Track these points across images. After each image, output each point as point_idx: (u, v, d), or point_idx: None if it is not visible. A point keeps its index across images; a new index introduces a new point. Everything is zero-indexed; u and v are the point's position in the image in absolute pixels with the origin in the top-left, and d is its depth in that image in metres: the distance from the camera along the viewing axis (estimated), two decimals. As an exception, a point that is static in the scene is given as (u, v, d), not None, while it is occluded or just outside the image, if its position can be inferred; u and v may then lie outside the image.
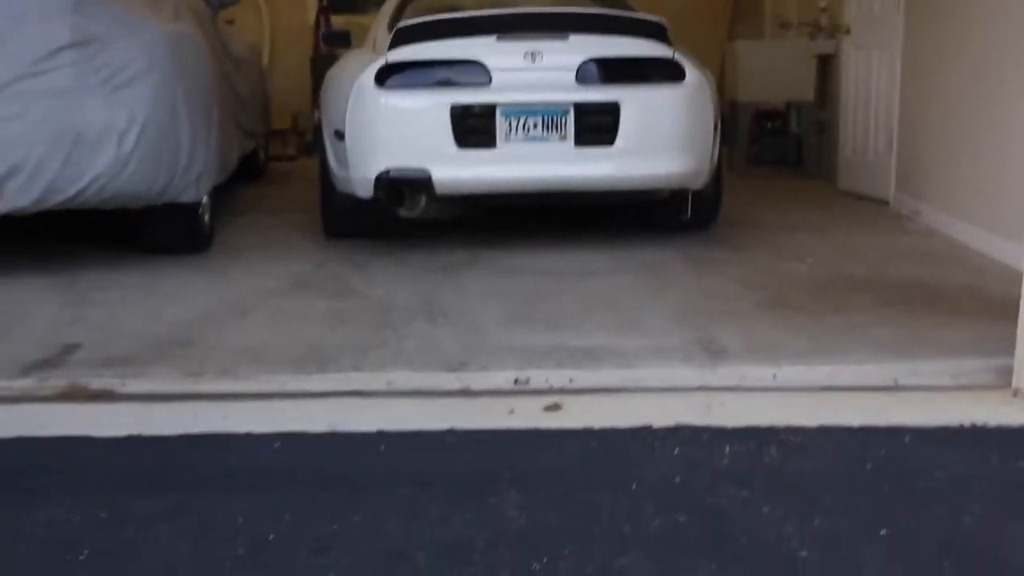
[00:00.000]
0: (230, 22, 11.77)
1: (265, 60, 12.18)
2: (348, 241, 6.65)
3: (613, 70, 6.15)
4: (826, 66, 9.23)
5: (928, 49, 7.19)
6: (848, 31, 8.35)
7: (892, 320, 4.88)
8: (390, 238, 6.65)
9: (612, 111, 6.06)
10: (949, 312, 5.04)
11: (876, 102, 7.99)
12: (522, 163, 6.08)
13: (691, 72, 6.22)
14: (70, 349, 4.57)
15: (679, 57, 6.22)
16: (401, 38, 6.14)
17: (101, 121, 5.60)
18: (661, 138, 6.14)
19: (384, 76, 6.11)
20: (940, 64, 7.02)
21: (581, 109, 6.06)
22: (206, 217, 6.58)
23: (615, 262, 6.13)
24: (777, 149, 9.88)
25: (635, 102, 6.09)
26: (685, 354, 4.45)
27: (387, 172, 6.07)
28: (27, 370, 4.30)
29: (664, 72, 6.20)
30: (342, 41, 7.77)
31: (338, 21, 11.86)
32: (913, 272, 5.83)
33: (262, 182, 9.49)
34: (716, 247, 6.52)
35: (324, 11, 11.98)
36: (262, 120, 9.63)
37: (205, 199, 6.58)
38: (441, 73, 6.12)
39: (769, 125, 9.95)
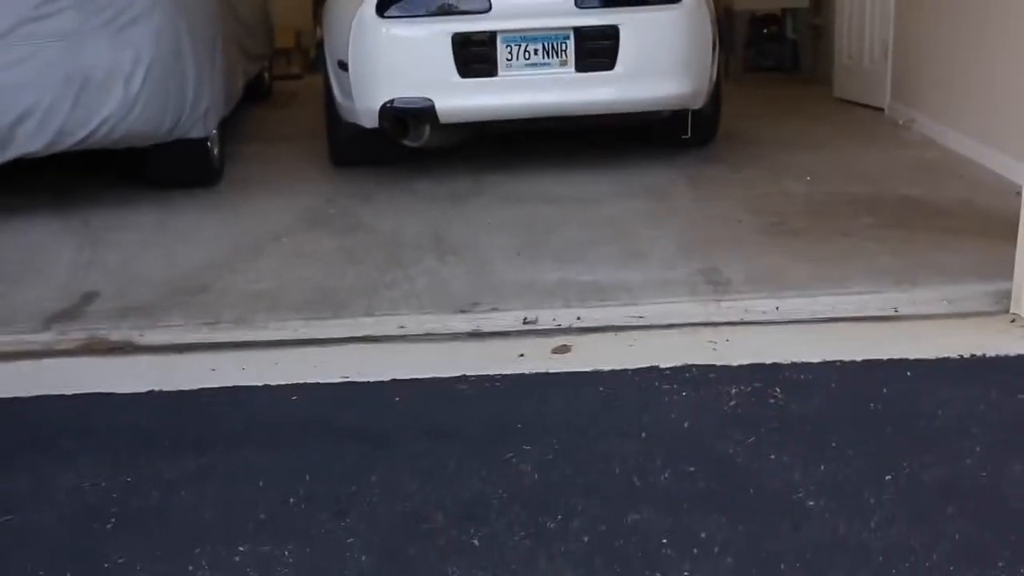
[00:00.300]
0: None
1: (266, -23, 11.98)
2: (355, 169, 6.57)
3: (615, -9, 6.01)
4: (822, -29, 9.03)
5: (923, -42, 7.03)
6: (843, -62, 8.15)
7: (891, 243, 4.83)
8: (396, 165, 6.55)
9: (612, 35, 5.94)
10: (947, 231, 4.98)
11: (871, 10, 7.82)
12: (524, 90, 5.98)
13: (689, -6, 6.08)
14: (88, 298, 4.54)
15: (678, -19, 6.07)
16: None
17: (107, 63, 5.50)
18: (660, 61, 6.02)
19: (384, 6, 5.97)
20: (936, -27, 6.86)
21: (581, 34, 5.94)
22: (215, 150, 6.49)
23: (617, 186, 6.05)
24: (773, 54, 9.73)
25: (634, 25, 5.96)
26: (690, 287, 4.40)
27: (391, 103, 5.98)
28: (48, 322, 4.27)
29: (663, -5, 6.07)
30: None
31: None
32: (911, 188, 5.75)
33: (268, 104, 9.37)
34: (716, 165, 6.43)
35: (322, -74, 11.68)
36: (265, 42, 9.46)
37: (214, 132, 6.50)
38: (441, 1, 5.98)
39: (765, 31, 9.78)
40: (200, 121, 6.10)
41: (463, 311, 4.25)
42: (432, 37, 5.91)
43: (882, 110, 7.68)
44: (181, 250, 5.20)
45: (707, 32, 6.17)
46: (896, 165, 6.28)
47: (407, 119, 6.09)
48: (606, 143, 6.85)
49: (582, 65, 5.96)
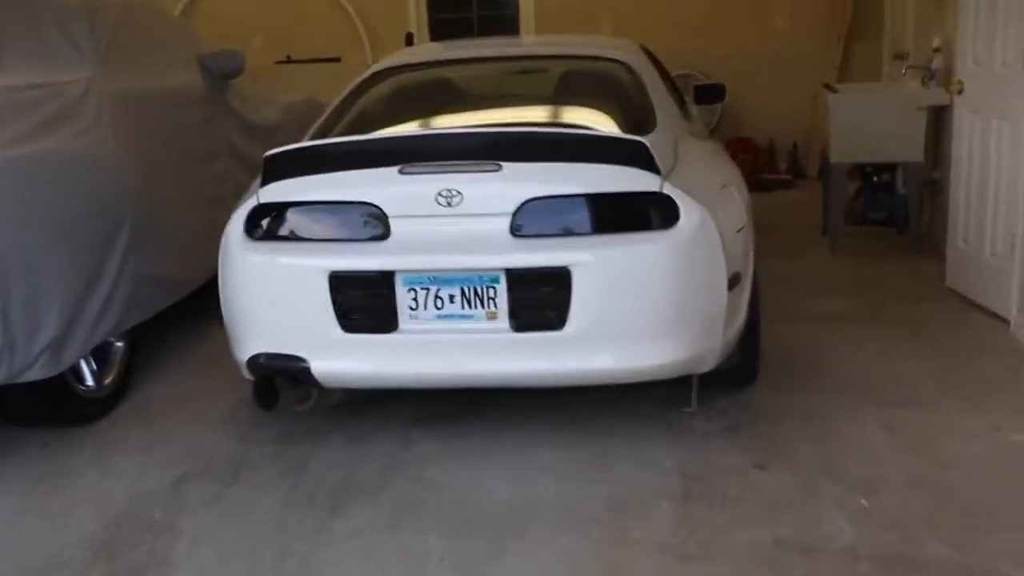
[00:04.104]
0: (336, 60, 9.42)
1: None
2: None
3: (566, 215, 3.30)
4: (941, 116, 5.96)
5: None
6: (961, 90, 5.10)
7: None
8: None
9: (561, 280, 3.23)
10: None
11: (996, 186, 4.80)
12: (434, 353, 3.34)
13: (689, 210, 3.29)
14: None
15: (670, 189, 3.28)
16: (274, 170, 3.43)
17: None
18: (636, 316, 3.27)
19: (255, 222, 3.44)
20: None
21: (517, 277, 3.25)
22: (90, 381, 4.12)
23: (572, 488, 3.36)
24: (883, 206, 6.65)
25: (595, 266, 3.24)
26: None
27: (259, 357, 3.43)
28: None
29: (646, 213, 3.32)
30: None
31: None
32: (1017, 547, 2.81)
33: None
34: (735, 449, 3.58)
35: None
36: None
37: (120, 345, 4.20)
38: (322, 221, 3.42)
39: (876, 179, 6.73)
40: (43, 359, 3.73)
41: None
42: (304, 274, 3.33)
43: (1007, 323, 4.63)
44: None
45: (719, 264, 3.36)
46: (1008, 476, 3.31)
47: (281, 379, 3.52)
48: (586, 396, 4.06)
49: (519, 321, 3.28)
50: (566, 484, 3.37)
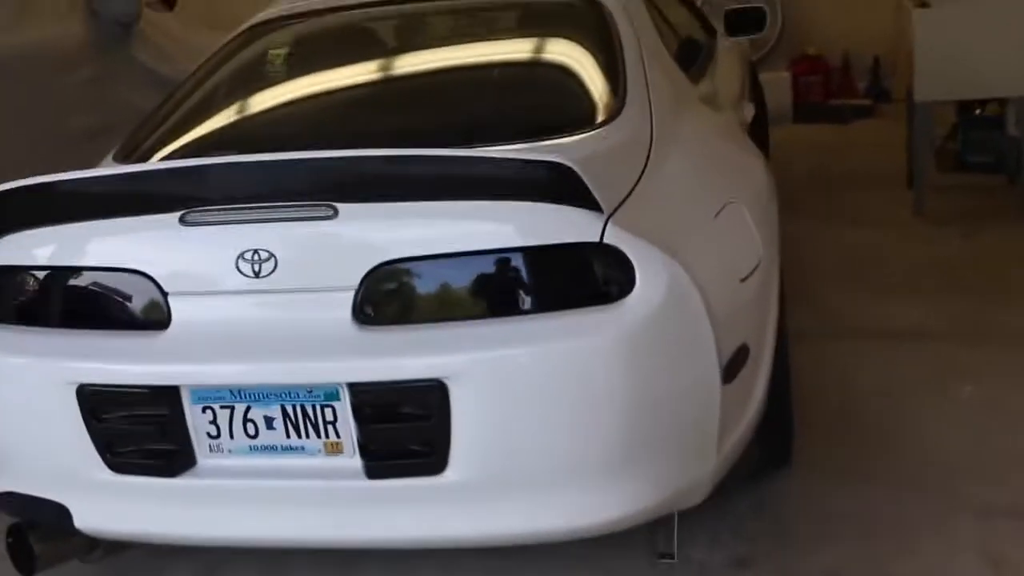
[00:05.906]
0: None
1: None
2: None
3: (444, 290, 2.05)
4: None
5: None
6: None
7: None
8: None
9: (434, 397, 2.00)
10: None
11: None
12: (249, 507, 2.16)
13: (648, 268, 2.02)
14: None
15: (617, 235, 2.01)
16: (9, 213, 2.25)
17: None
18: (563, 449, 2.04)
19: (-8, 294, 2.30)
20: None
21: (366, 393, 2.03)
22: None
23: None
24: (990, 147, 5.26)
25: (487, 372, 2.00)
26: None
27: (9, 497, 2.33)
28: None
29: (577, 280, 2.05)
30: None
31: None
32: None
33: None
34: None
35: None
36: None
37: None
38: (70, 300, 2.23)
39: (979, 110, 5.34)
40: None
41: None
42: (43, 385, 2.18)
43: None
44: None
45: (702, 348, 2.11)
46: None
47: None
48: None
49: (374, 459, 2.08)
50: None
